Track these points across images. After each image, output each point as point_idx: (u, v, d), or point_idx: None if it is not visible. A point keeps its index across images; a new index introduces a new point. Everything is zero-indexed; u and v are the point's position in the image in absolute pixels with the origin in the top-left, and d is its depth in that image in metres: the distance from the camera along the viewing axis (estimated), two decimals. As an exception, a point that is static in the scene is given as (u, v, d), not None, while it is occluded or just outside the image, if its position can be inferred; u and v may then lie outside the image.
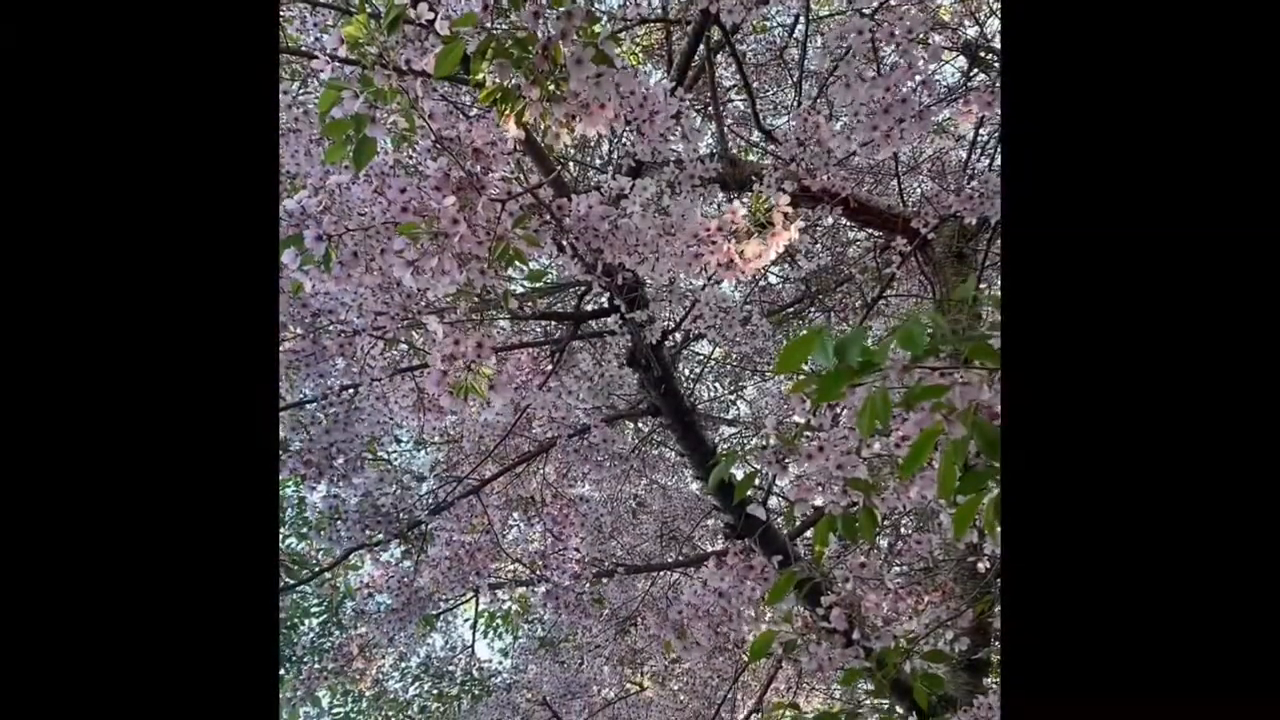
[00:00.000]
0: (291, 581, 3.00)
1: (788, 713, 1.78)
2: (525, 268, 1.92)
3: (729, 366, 5.72)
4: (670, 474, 5.02)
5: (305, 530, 4.27)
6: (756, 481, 1.76)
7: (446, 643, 5.24)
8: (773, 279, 5.04)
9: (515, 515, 4.57)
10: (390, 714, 5.03)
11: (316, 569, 2.93)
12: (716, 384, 6.09)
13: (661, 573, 4.71)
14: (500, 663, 5.41)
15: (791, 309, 4.95)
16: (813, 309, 4.95)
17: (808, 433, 1.70)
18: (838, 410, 1.75)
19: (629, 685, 4.89)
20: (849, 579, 1.83)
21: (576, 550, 3.88)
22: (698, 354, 5.50)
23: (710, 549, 4.72)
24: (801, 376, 1.53)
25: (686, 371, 5.35)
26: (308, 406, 2.65)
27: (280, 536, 4.23)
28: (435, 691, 4.82)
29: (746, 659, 3.80)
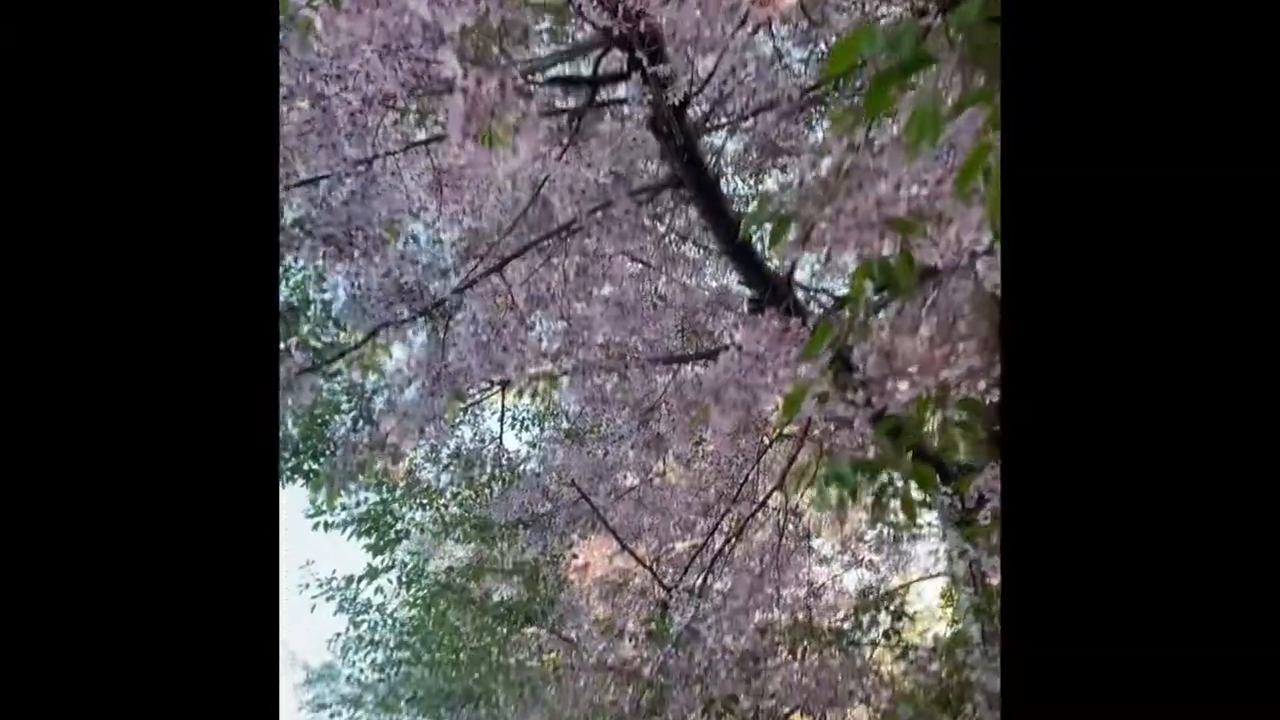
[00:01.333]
0: (319, 363, 3.02)
1: (824, 461, 1.80)
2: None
3: (750, 159, 5.55)
4: (691, 270, 4.98)
5: (329, 319, 4.30)
6: (790, 235, 1.70)
7: (475, 434, 5.39)
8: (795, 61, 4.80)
9: (539, 312, 4.59)
10: (424, 502, 5.24)
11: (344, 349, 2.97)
12: (736, 178, 5.94)
13: (682, 367, 4.75)
14: (529, 453, 5.58)
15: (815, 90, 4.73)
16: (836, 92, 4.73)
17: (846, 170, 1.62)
18: (875, 147, 1.67)
19: (653, 471, 5.05)
20: (884, 327, 1.80)
21: (600, 343, 3.90)
22: (713, 144, 5.32)
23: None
24: (842, 111, 1.44)
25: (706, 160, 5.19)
26: (322, 183, 2.58)
27: (305, 329, 4.26)
28: (467, 477, 4.99)
29: (777, 424, 3.88)
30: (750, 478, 4.49)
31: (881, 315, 2.01)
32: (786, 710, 4.21)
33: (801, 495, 4.33)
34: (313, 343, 4.14)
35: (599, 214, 2.66)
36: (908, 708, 3.07)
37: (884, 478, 1.91)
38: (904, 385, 1.82)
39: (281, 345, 3.43)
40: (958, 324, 1.86)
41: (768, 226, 1.71)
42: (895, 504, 1.82)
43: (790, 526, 4.88)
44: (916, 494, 1.96)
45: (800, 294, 3.85)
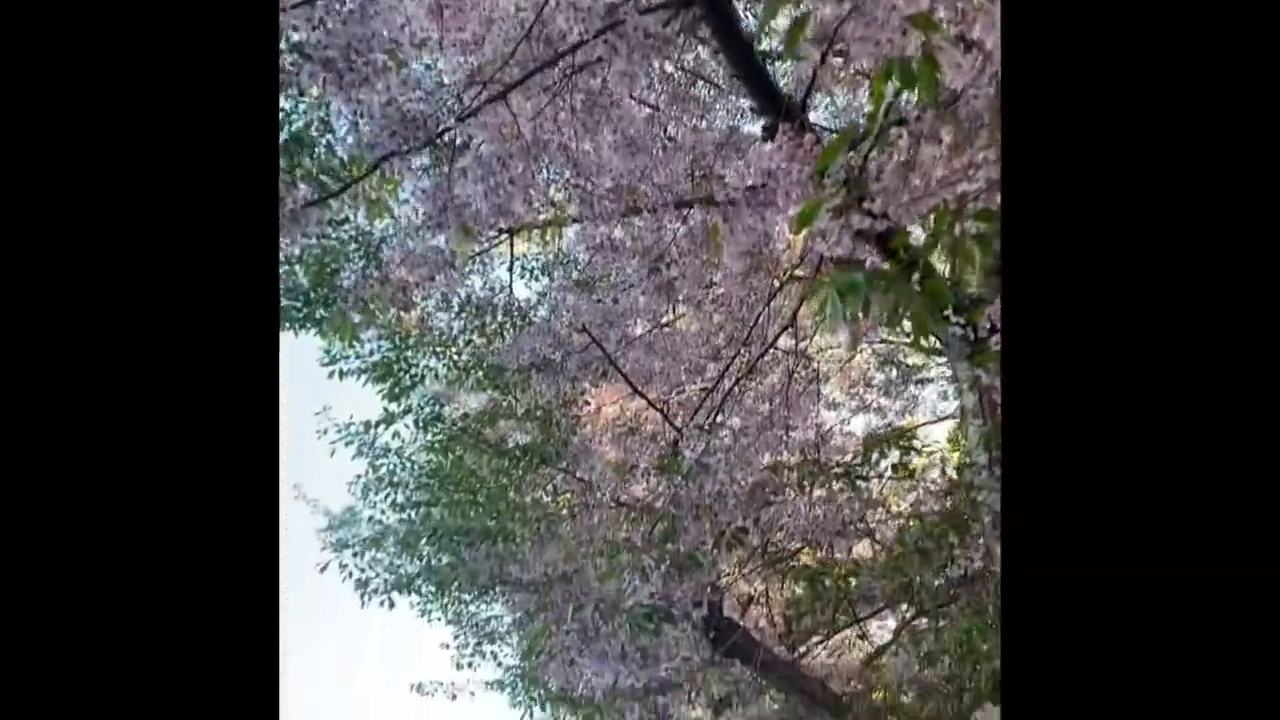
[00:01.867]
0: (323, 195, 2.98)
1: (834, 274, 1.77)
2: None
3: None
4: (702, 112, 4.84)
5: (332, 146, 4.22)
6: (808, 31, 1.62)
7: (485, 283, 5.39)
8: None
9: (545, 157, 4.49)
10: (438, 350, 5.29)
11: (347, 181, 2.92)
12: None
13: (693, 211, 4.69)
14: (538, 301, 5.58)
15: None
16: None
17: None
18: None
19: (663, 317, 5.06)
20: (903, 134, 1.75)
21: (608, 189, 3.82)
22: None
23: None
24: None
25: None
26: (319, 3, 2.48)
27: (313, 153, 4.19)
28: (478, 324, 5.01)
29: (788, 262, 3.85)
30: (760, 320, 4.49)
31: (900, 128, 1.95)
32: (795, 545, 4.36)
33: (814, 332, 4.33)
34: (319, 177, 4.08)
35: (608, 34, 2.55)
36: (917, 528, 3.17)
37: (895, 293, 1.90)
38: (922, 197, 1.78)
39: (286, 178, 3.38)
40: (978, 133, 1.81)
41: (783, 24, 1.64)
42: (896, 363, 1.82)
43: (800, 371, 4.92)
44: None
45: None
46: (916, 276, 1.94)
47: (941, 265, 2.80)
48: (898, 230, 1.99)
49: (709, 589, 4.32)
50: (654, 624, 3.23)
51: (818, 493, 3.80)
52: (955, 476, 3.48)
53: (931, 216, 1.84)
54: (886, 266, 2.11)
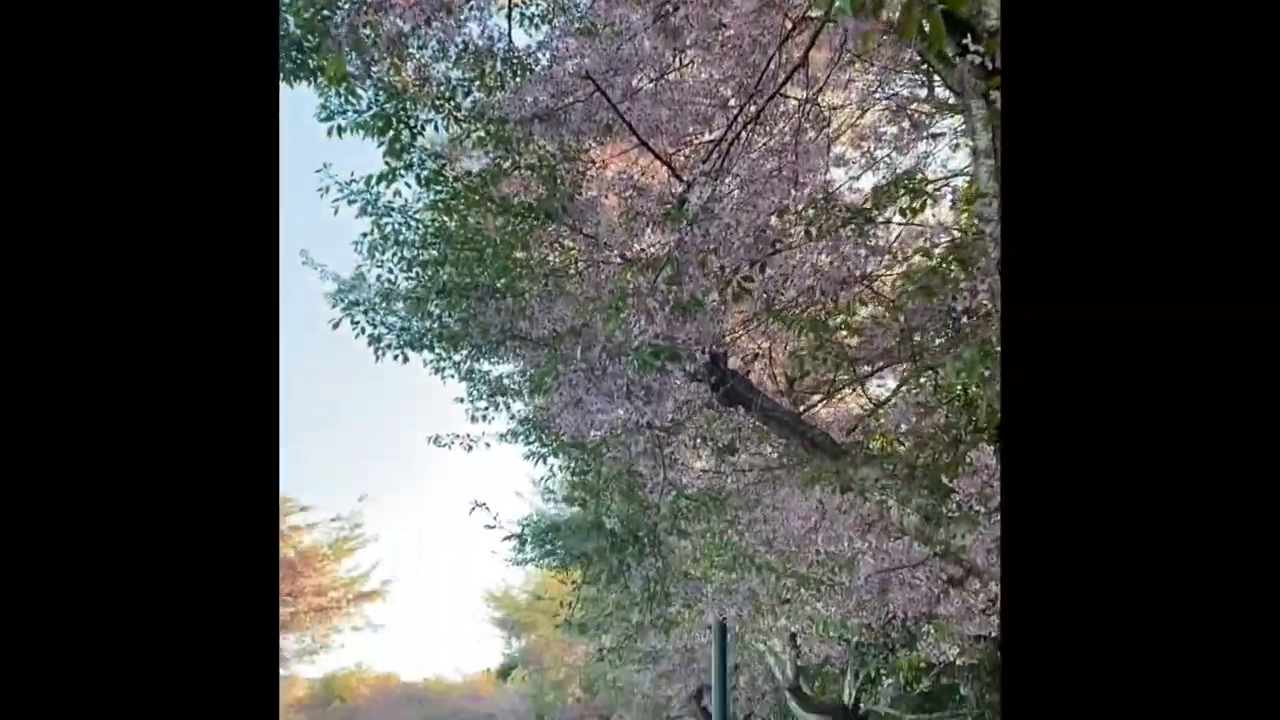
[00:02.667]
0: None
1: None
2: None
3: None
4: None
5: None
6: None
7: (482, 31, 5.14)
8: None
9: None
10: (437, 103, 5.12)
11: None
12: None
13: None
14: (539, 50, 5.35)
15: None
16: None
17: None
18: None
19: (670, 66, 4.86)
20: None
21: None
22: None
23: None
24: None
25: None
26: None
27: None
28: (477, 74, 4.84)
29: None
30: (771, 66, 4.31)
31: None
32: (798, 292, 4.40)
33: (825, 80, 4.18)
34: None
35: None
36: (923, 263, 3.18)
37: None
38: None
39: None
40: None
41: None
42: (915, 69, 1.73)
43: (809, 122, 4.78)
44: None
45: None
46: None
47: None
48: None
49: (713, 340, 4.42)
50: (660, 361, 3.33)
51: (824, 242, 3.80)
52: (965, 198, 3.45)
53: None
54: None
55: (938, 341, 4.98)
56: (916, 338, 4.95)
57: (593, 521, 5.65)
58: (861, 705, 11.02)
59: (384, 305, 5.58)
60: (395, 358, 5.32)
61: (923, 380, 6.59)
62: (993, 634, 5.14)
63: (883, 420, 6.89)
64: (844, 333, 6.21)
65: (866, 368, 7.50)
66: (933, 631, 5.51)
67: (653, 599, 5.40)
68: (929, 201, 3.81)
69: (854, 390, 7.87)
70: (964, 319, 3.60)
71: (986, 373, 2.92)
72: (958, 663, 5.54)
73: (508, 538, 10.06)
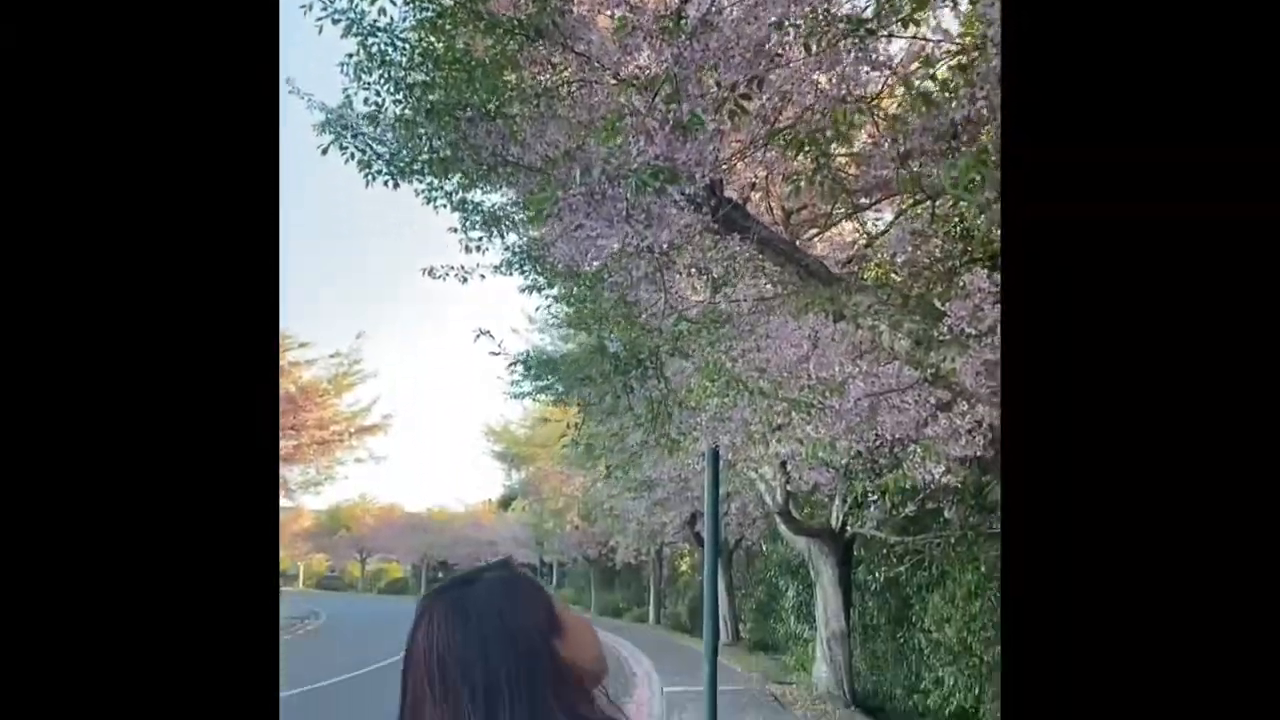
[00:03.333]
0: None
1: None
2: None
3: None
4: None
5: None
6: None
7: None
8: None
9: None
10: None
11: None
12: None
13: None
14: None
15: None
16: None
17: None
18: None
19: None
20: None
21: None
22: None
23: None
24: None
25: None
26: None
27: None
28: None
29: None
30: None
31: None
32: (797, 113, 4.30)
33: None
34: None
35: None
36: (925, 72, 3.09)
37: None
38: None
39: None
40: None
41: None
42: None
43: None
44: None
45: None
46: None
47: None
48: None
49: (711, 166, 4.35)
50: (659, 183, 3.27)
51: (823, 57, 3.66)
52: (967, 20, 3.32)
53: None
54: None
55: (935, 171, 4.90)
56: (915, 166, 4.87)
57: (595, 346, 5.72)
58: (848, 528, 11.53)
59: (372, 129, 5.45)
60: (385, 183, 5.24)
61: (919, 210, 6.54)
62: (978, 454, 5.32)
63: (879, 254, 6.89)
64: (842, 157, 6.11)
65: (864, 200, 7.44)
66: (919, 452, 5.69)
67: (655, 419, 5.53)
68: (932, 3, 3.64)
69: (851, 221, 7.82)
70: (962, 131, 3.52)
71: (979, 178, 2.89)
72: (944, 481, 5.74)
73: (512, 364, 10.24)
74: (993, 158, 2.78)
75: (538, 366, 10.70)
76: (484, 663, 1.05)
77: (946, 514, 9.58)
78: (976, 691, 9.28)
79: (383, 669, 16.13)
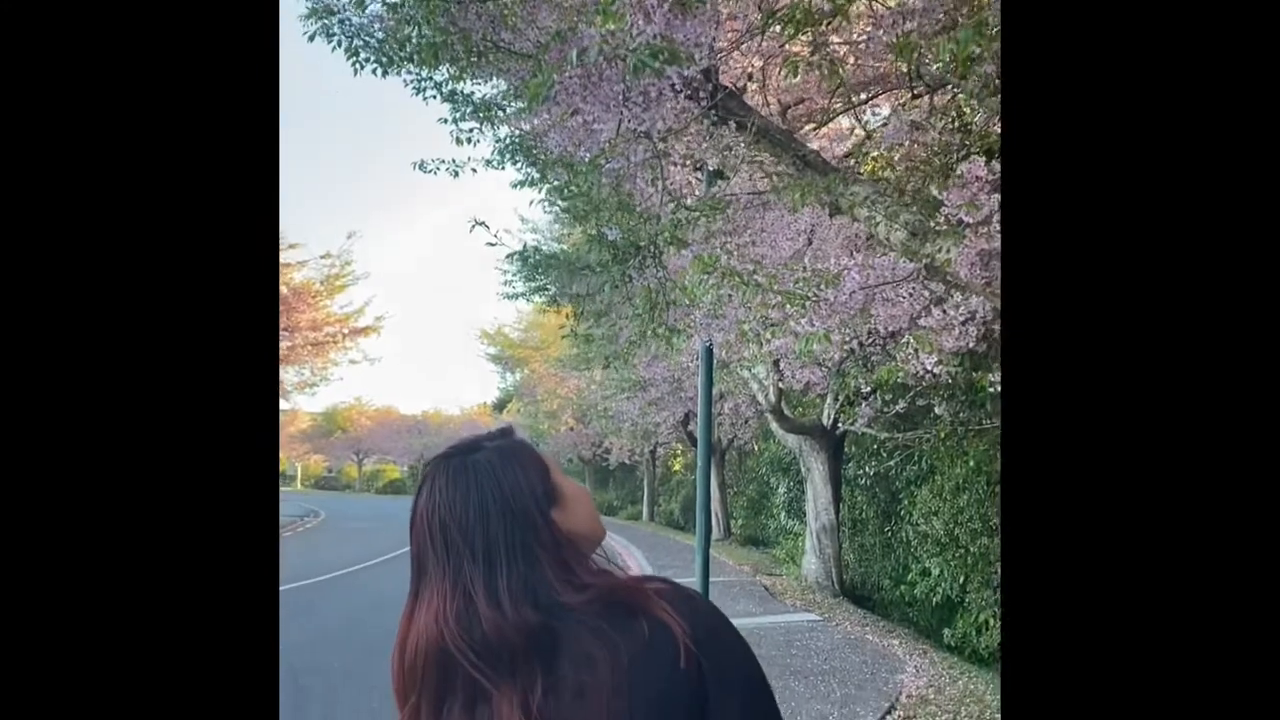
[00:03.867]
0: None
1: None
2: None
3: None
4: None
5: None
6: None
7: None
8: None
9: None
10: None
11: None
12: None
13: None
14: None
15: None
16: None
17: None
18: None
19: None
20: None
21: None
22: None
23: None
24: None
25: None
26: None
27: None
28: None
29: None
30: None
31: None
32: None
33: None
34: None
35: None
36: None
37: None
38: None
39: None
40: None
41: None
42: None
43: None
44: None
45: None
46: None
47: None
48: None
49: (709, 47, 4.24)
50: (658, 63, 3.20)
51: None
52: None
53: None
54: None
55: (932, 60, 4.80)
56: (915, 53, 4.76)
57: (593, 235, 5.68)
58: (840, 425, 11.69)
59: (360, 14, 5.30)
60: (374, 72, 5.12)
61: (917, 102, 6.43)
62: (970, 346, 5.36)
63: (876, 149, 6.80)
64: (840, 45, 5.97)
65: (862, 95, 7.30)
66: (912, 342, 5.73)
67: (654, 308, 5.54)
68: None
69: (848, 117, 7.70)
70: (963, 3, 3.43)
71: (977, 50, 2.83)
72: (935, 370, 5.79)
73: (510, 255, 10.17)
74: (994, 29, 2.72)
75: (535, 262, 10.65)
76: (483, 526, 1.11)
77: (937, 409, 9.71)
78: (962, 581, 9.56)
79: (391, 560, 16.58)
